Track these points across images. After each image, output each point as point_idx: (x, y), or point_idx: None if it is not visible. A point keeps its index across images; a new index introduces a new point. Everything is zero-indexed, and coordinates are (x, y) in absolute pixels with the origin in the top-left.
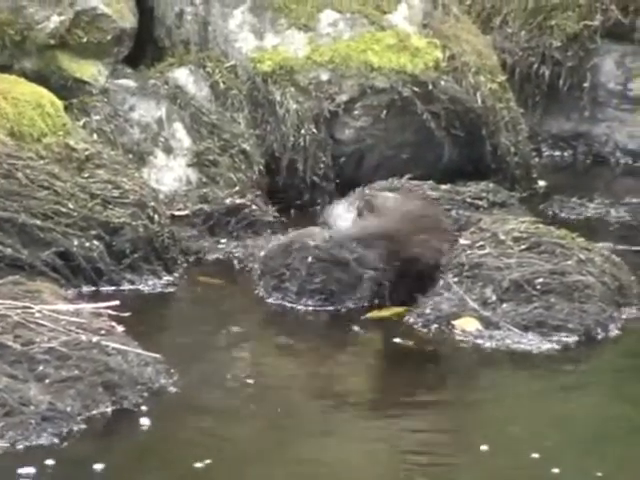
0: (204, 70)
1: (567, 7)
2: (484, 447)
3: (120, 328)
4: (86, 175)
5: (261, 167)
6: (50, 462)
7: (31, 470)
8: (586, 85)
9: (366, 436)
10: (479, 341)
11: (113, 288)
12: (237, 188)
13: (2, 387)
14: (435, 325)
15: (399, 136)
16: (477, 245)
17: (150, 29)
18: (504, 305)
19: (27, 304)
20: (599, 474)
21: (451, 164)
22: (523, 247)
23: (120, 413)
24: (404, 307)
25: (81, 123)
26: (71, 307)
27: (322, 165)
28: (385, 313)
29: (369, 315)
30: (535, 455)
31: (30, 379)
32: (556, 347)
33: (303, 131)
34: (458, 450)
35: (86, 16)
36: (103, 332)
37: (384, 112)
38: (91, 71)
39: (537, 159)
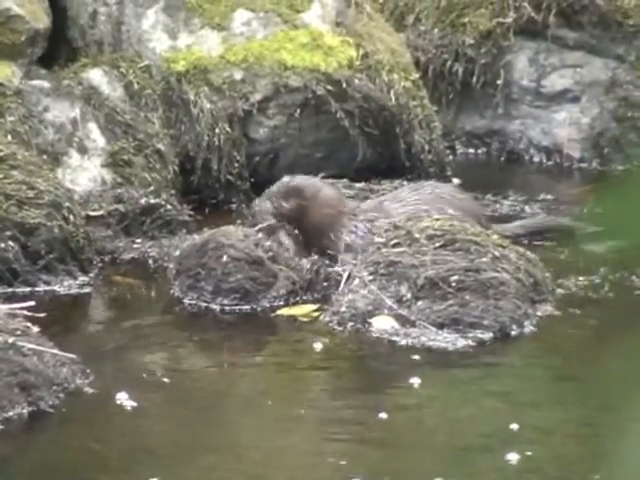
0: (118, 70)
1: (480, 5)
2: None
3: (36, 329)
4: (0, 176)
5: (176, 167)
6: None
7: None
8: (500, 82)
9: (282, 429)
10: (395, 339)
11: (29, 289)
12: (152, 188)
13: None
14: (351, 323)
15: (313, 135)
16: (392, 243)
17: (64, 30)
18: (419, 303)
19: None
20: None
21: (365, 162)
22: (438, 245)
23: (36, 414)
24: (318, 305)
25: None
26: None
27: (236, 164)
28: (298, 311)
29: (281, 312)
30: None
31: None
32: (471, 344)
33: (217, 130)
34: (375, 447)
35: None
36: (19, 333)
37: (298, 111)
38: (5, 72)
39: (451, 156)
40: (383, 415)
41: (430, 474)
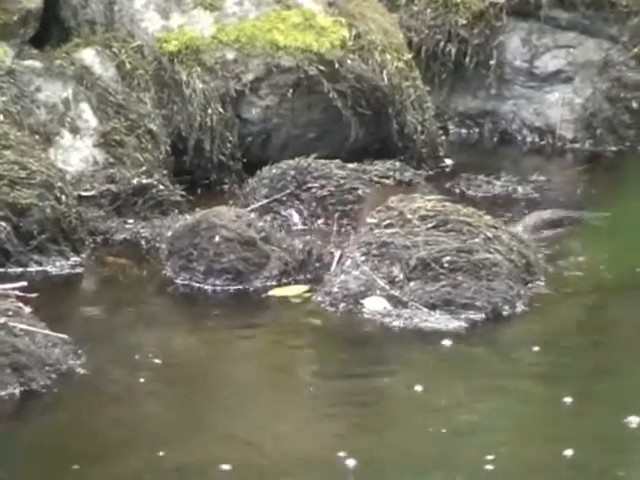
0: (110, 50)
1: None
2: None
3: (28, 309)
4: None
5: (168, 147)
6: None
7: None
8: (492, 63)
9: (274, 410)
10: (387, 320)
11: (21, 269)
12: (144, 168)
13: None
14: (343, 304)
15: (305, 115)
16: (384, 224)
17: (56, 10)
18: (412, 283)
19: None
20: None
21: (358, 143)
22: (430, 225)
23: (28, 395)
24: (310, 286)
25: None
26: None
27: (229, 145)
28: (290, 291)
29: (273, 293)
30: (444, 430)
31: None
32: (463, 325)
33: (210, 111)
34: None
35: None
36: (10, 313)
37: (290, 91)
38: None
39: (444, 137)
40: (375, 396)
41: (421, 455)
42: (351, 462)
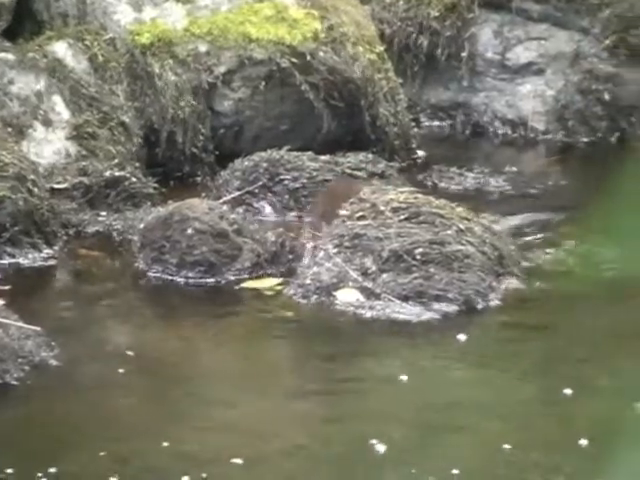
0: (83, 43)
1: None
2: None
3: (0, 301)
4: None
5: (140, 139)
6: None
7: None
8: (464, 55)
9: (245, 401)
10: (360, 311)
11: None
12: (116, 160)
13: None
14: (315, 296)
15: (278, 107)
16: (357, 216)
17: (29, 2)
18: (384, 275)
19: None
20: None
21: (330, 135)
22: (402, 217)
23: (1, 387)
24: (282, 278)
25: None
26: None
27: (201, 137)
28: (263, 284)
29: (246, 285)
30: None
31: None
32: (436, 317)
33: (182, 103)
34: (337, 422)
35: None
36: None
37: (263, 84)
38: None
39: (416, 129)
40: (346, 387)
41: (393, 445)
42: (326, 450)
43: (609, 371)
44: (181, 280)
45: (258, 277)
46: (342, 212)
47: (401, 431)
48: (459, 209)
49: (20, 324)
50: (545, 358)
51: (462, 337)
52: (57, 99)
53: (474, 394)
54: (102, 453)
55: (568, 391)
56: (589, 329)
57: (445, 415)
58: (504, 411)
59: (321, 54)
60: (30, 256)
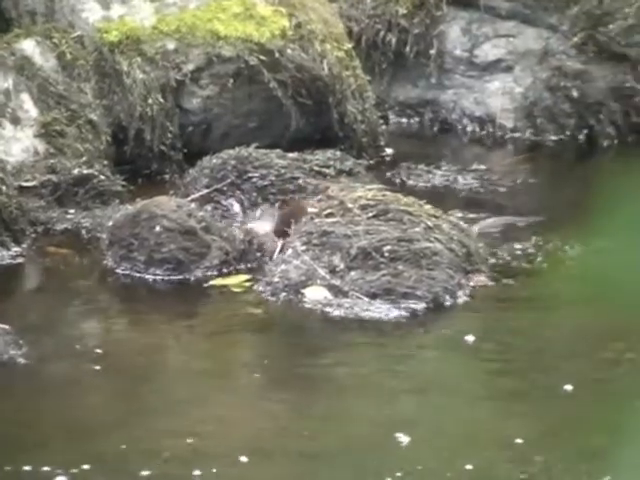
0: (51, 41)
1: None
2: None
3: None
4: None
5: (108, 137)
6: None
7: None
8: (433, 52)
9: (214, 399)
10: (327, 309)
11: None
12: (85, 158)
13: None
14: (284, 293)
15: (246, 105)
16: (325, 213)
17: None
18: (352, 273)
19: None
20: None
21: (299, 133)
22: (371, 215)
23: None
24: (250, 275)
25: None
26: None
27: (169, 135)
28: (231, 281)
29: (214, 283)
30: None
31: None
32: (404, 314)
33: (150, 101)
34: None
35: None
36: None
37: (231, 81)
38: None
39: (384, 126)
40: (316, 384)
41: (356, 445)
42: (294, 448)
43: (574, 369)
44: (149, 277)
45: (226, 275)
46: (311, 209)
47: (365, 428)
48: (427, 206)
49: None
50: (512, 354)
51: (429, 334)
52: (25, 97)
53: (442, 391)
54: (69, 451)
55: (532, 385)
56: (554, 326)
57: (410, 414)
58: (472, 406)
59: (289, 52)
60: None
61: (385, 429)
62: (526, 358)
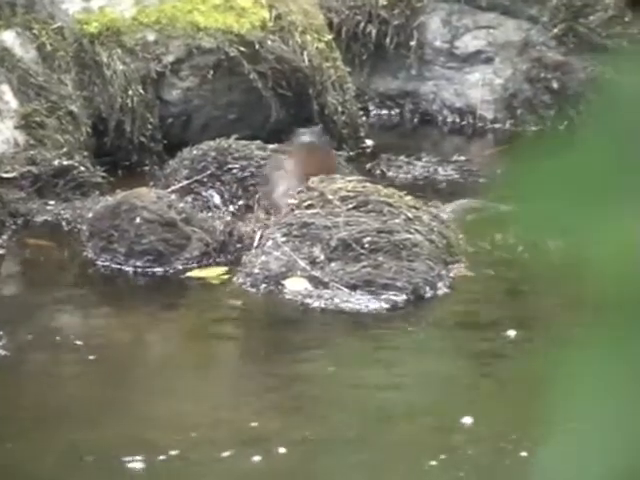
0: (31, 32)
1: None
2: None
3: None
4: None
5: (89, 128)
6: None
7: None
8: (413, 44)
9: (193, 392)
10: (308, 300)
11: None
12: (65, 150)
13: None
14: (264, 285)
15: (226, 96)
16: (305, 204)
17: None
18: (332, 264)
19: None
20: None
21: (279, 124)
22: (351, 206)
23: None
24: (231, 267)
25: None
26: None
27: (149, 126)
28: (211, 273)
29: (193, 274)
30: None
31: None
32: (384, 306)
33: (130, 92)
34: (285, 412)
35: None
36: None
37: (211, 72)
38: None
39: (364, 118)
40: (296, 376)
41: (339, 439)
42: (278, 441)
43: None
44: (129, 269)
45: (207, 266)
46: (291, 201)
47: (347, 418)
48: (407, 198)
49: None
50: (491, 344)
51: (409, 325)
52: (5, 88)
53: (424, 382)
54: (48, 443)
55: (513, 374)
56: (536, 315)
57: (394, 403)
58: (456, 397)
59: (269, 43)
60: None
61: (369, 420)
62: (511, 346)
